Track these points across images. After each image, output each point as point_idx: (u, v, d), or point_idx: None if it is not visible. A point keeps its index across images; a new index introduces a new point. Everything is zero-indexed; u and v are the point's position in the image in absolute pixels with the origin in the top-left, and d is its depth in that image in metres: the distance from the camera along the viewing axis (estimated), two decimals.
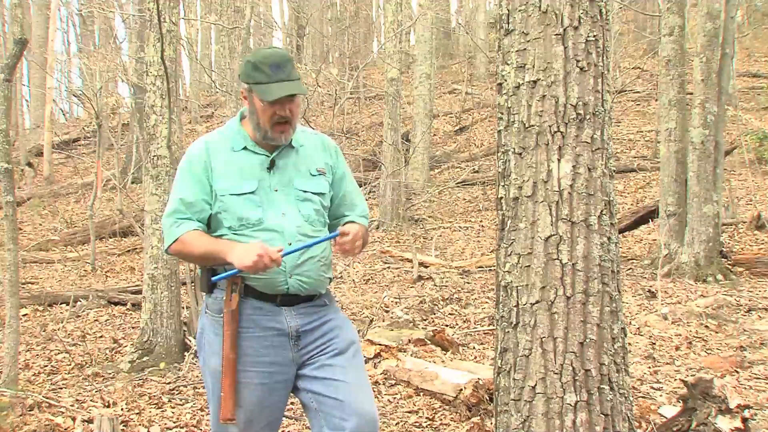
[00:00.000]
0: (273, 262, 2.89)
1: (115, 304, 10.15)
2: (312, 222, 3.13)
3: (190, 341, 7.49)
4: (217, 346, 3.05)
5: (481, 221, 15.22)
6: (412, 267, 10.87)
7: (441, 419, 5.28)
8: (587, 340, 2.97)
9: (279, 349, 3.05)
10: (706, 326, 7.47)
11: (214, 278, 3.04)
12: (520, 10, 3.08)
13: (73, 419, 5.55)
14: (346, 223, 3.20)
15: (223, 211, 3.06)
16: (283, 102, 3.02)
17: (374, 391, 5.22)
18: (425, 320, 8.44)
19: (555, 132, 3.00)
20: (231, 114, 16.13)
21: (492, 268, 10.10)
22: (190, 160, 3.13)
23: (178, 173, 3.16)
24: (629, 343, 4.93)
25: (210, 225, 3.12)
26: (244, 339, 3.03)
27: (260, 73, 3.02)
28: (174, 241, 3.06)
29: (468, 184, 17.77)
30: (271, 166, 3.11)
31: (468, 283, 10.26)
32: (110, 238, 15.90)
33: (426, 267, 11.39)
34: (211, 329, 3.11)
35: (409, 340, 7.08)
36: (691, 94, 10.75)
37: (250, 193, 3.06)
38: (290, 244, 3.01)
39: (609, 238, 3.04)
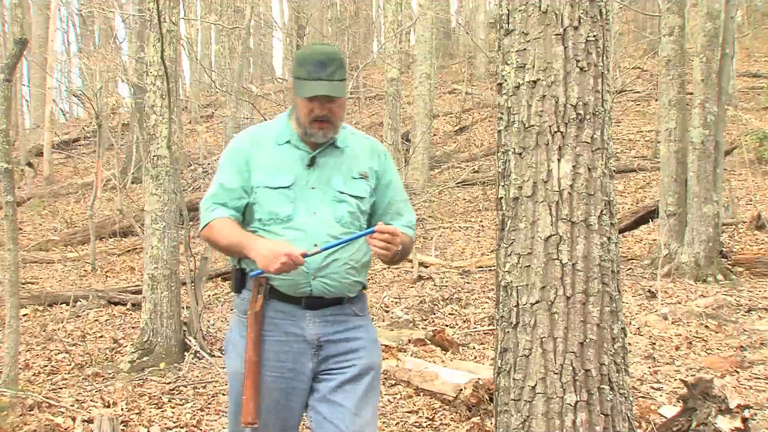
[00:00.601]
0: (296, 265, 2.83)
1: (115, 304, 10.15)
2: (344, 224, 3.03)
3: (190, 341, 7.49)
4: (241, 348, 2.99)
5: (481, 221, 15.21)
6: (412, 267, 10.86)
7: (441, 419, 5.28)
8: (587, 340, 2.97)
9: (299, 356, 2.99)
10: (706, 326, 7.47)
11: (252, 273, 2.95)
12: (520, 10, 3.08)
13: (73, 419, 5.55)
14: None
15: (256, 202, 3.02)
16: (320, 100, 2.96)
17: None
18: (425, 320, 8.45)
19: (555, 132, 3.00)
20: (231, 114, 16.16)
21: (492, 268, 10.09)
22: (233, 148, 3.12)
23: (221, 159, 3.14)
24: (629, 343, 4.93)
25: (245, 216, 3.07)
26: (265, 342, 2.96)
27: (302, 69, 2.97)
28: (205, 226, 3.04)
29: (468, 184, 17.77)
30: (311, 163, 3.05)
31: (468, 283, 10.26)
32: (110, 238, 15.89)
33: (426, 267, 11.39)
34: (237, 330, 3.06)
35: (409, 340, 7.09)
36: (691, 94, 10.75)
37: (284, 187, 3.00)
38: (316, 245, 2.92)
39: (609, 238, 3.04)
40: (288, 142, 3.07)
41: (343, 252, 3.00)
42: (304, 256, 2.85)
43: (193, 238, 8.56)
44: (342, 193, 3.05)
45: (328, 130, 3.02)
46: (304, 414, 3.08)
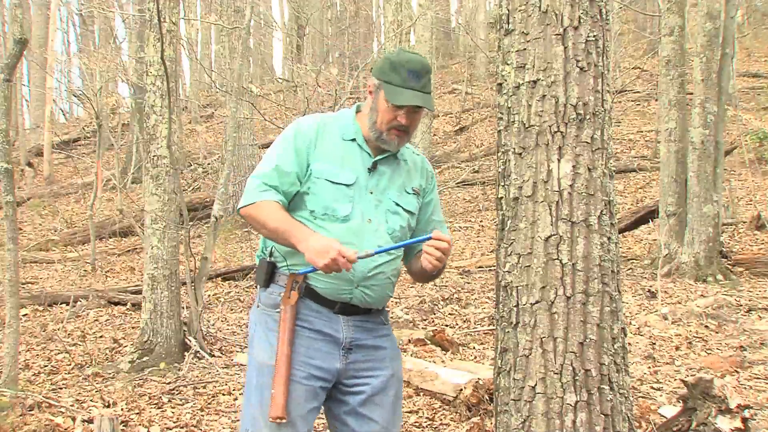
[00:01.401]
0: (347, 264, 2.75)
1: (115, 304, 10.15)
2: (395, 238, 3.01)
3: (190, 341, 7.49)
4: (268, 340, 2.93)
5: (481, 221, 15.22)
6: None
7: (441, 419, 5.28)
8: (587, 340, 2.96)
9: (328, 355, 2.94)
10: (706, 326, 7.47)
11: (302, 270, 2.89)
12: (520, 10, 3.08)
13: (73, 419, 5.56)
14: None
15: (312, 193, 2.94)
16: (408, 110, 2.95)
17: None
18: (425, 320, 8.45)
19: (555, 132, 3.00)
20: (231, 114, 16.13)
21: (492, 268, 10.09)
22: (298, 131, 3.01)
23: (281, 139, 3.03)
24: (629, 343, 4.93)
25: (290, 204, 2.98)
26: (296, 337, 2.90)
27: (396, 75, 2.94)
28: (252, 204, 2.92)
29: (468, 184, 17.78)
30: (373, 167, 3.01)
31: (468, 283, 10.27)
32: (110, 238, 15.90)
33: None
34: (263, 324, 2.98)
35: (409, 340, 7.09)
36: (691, 94, 10.76)
37: (346, 185, 2.95)
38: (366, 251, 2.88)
39: (609, 238, 3.04)
40: (353, 140, 3.04)
41: (389, 266, 3.01)
42: (359, 257, 2.79)
43: (193, 237, 8.55)
44: (398, 205, 3.04)
45: (404, 139, 3.02)
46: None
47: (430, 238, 2.85)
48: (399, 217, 3.03)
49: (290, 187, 2.95)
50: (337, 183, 2.94)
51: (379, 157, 3.03)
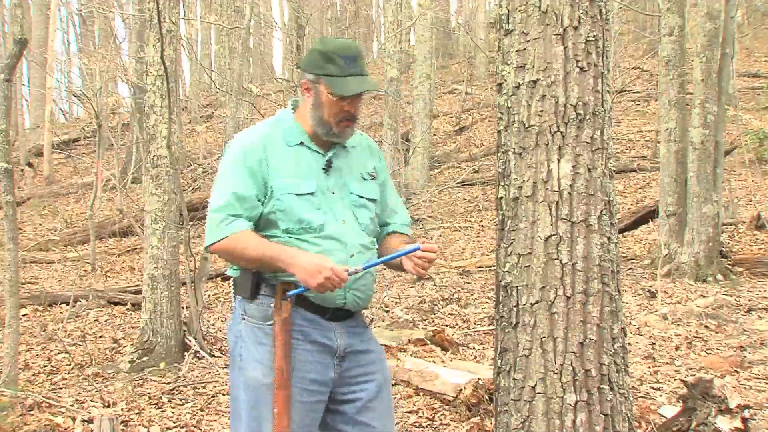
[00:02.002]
0: (341, 283, 2.68)
1: (115, 304, 10.14)
2: (368, 232, 2.95)
3: (190, 341, 7.49)
4: (261, 356, 2.79)
5: (480, 221, 15.22)
6: None
7: (441, 419, 5.28)
8: (587, 340, 2.97)
9: (322, 366, 2.84)
10: (706, 326, 7.47)
11: (291, 293, 2.76)
12: (520, 10, 3.08)
13: (73, 419, 5.56)
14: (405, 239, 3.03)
15: (279, 211, 2.81)
16: (354, 98, 2.86)
17: None
18: (425, 320, 8.45)
19: (555, 132, 3.00)
20: (231, 114, 16.17)
21: (492, 268, 10.09)
22: (245, 152, 2.84)
23: (228, 165, 2.86)
24: (629, 343, 4.93)
25: (258, 227, 2.84)
26: (291, 350, 2.78)
27: (333, 65, 2.81)
28: (223, 239, 2.77)
29: (468, 184, 17.78)
30: (328, 166, 2.91)
31: (468, 283, 10.27)
32: (110, 238, 15.89)
33: None
34: (253, 338, 2.84)
35: (409, 340, 7.09)
36: (691, 94, 10.76)
37: (309, 194, 2.83)
38: (352, 256, 2.81)
39: (609, 238, 3.04)
40: (300, 143, 2.91)
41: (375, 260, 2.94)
42: (350, 273, 2.72)
43: (193, 237, 8.55)
44: (361, 197, 2.96)
45: (353, 128, 2.94)
46: None
47: (419, 248, 2.78)
48: (366, 210, 2.96)
49: (253, 212, 2.82)
50: (302, 194, 2.83)
51: (330, 154, 2.93)
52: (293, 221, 2.81)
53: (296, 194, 2.82)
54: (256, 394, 2.78)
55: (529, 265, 3.02)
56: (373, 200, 3.00)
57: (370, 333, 3.05)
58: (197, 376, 6.83)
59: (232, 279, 3.00)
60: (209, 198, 2.90)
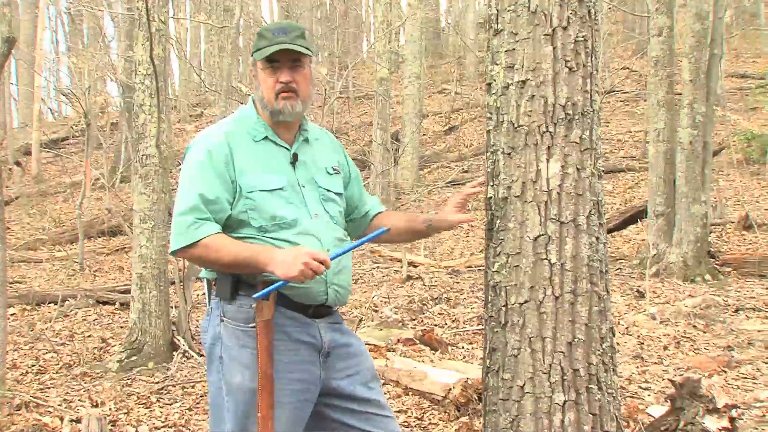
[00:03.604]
0: (323, 264, 2.60)
1: (104, 303, 10.12)
2: (339, 225, 2.93)
3: (178, 341, 7.48)
4: (245, 360, 2.72)
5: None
6: (402, 267, 10.86)
7: (430, 419, 5.28)
8: (576, 340, 2.97)
9: (308, 365, 2.79)
10: (694, 326, 7.50)
11: (257, 295, 2.66)
12: (509, 10, 3.08)
13: (61, 419, 5.54)
14: (377, 214, 3.16)
15: (250, 209, 2.74)
16: (283, 66, 2.79)
17: None
18: (414, 320, 8.45)
19: (544, 132, 3.00)
20: (220, 113, 16.12)
21: (481, 267, 10.10)
22: (210, 151, 2.76)
23: (193, 165, 2.77)
24: (618, 343, 4.95)
25: (229, 226, 2.77)
26: (274, 352, 2.70)
27: (263, 39, 2.80)
28: (192, 244, 2.69)
29: (457, 184, 17.76)
30: (294, 160, 2.87)
31: (457, 282, 10.27)
32: (99, 237, 15.85)
33: (415, 267, 11.40)
34: (234, 341, 2.75)
35: (398, 340, 7.09)
36: (680, 94, 10.79)
37: (279, 189, 2.78)
38: (328, 251, 2.73)
39: (597, 238, 3.04)
40: (265, 138, 2.87)
41: (348, 259, 2.94)
42: (332, 257, 2.69)
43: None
44: (329, 191, 2.94)
45: (295, 101, 2.83)
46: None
47: (388, 230, 2.90)
48: (335, 204, 2.95)
49: (221, 214, 2.74)
50: (272, 190, 2.77)
51: (295, 147, 2.90)
52: (266, 218, 2.76)
53: (267, 191, 2.77)
54: (243, 399, 2.72)
55: (518, 265, 3.02)
56: (339, 194, 2.99)
57: (348, 327, 3.04)
58: (186, 376, 6.82)
59: (206, 280, 2.94)
60: None
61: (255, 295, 2.68)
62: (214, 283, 2.87)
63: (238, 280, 2.78)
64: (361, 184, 3.18)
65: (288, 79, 2.81)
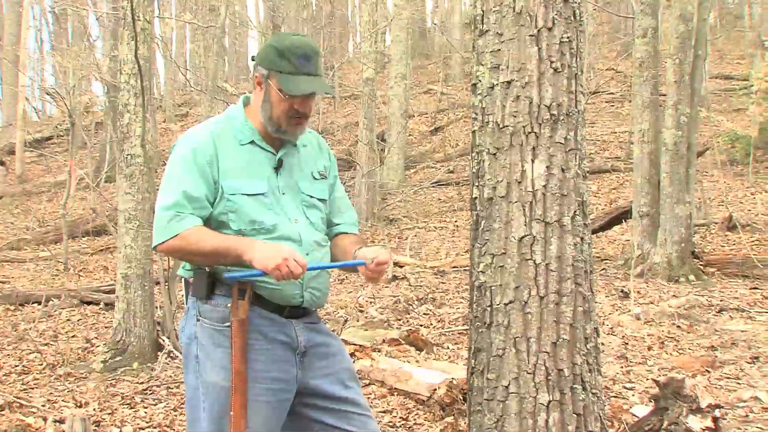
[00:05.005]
0: (298, 268, 2.60)
1: (88, 303, 10.07)
2: (320, 230, 2.91)
3: (163, 341, 7.45)
4: (220, 359, 2.72)
5: (455, 221, 15.25)
6: (387, 267, 10.84)
7: (415, 419, 5.28)
8: (560, 340, 2.98)
9: (285, 364, 2.78)
10: (678, 326, 7.52)
11: (229, 276, 2.68)
12: (494, 11, 3.08)
13: (45, 419, 5.51)
14: (360, 247, 2.91)
15: (230, 212, 2.74)
16: (305, 98, 2.79)
17: None
18: (400, 320, 8.44)
19: (529, 133, 3.01)
20: (205, 113, 16.09)
21: (466, 268, 10.11)
22: (195, 149, 2.75)
23: (178, 162, 2.77)
24: (602, 343, 4.96)
25: (208, 227, 2.76)
26: (250, 351, 2.71)
27: (286, 62, 2.74)
28: (172, 237, 2.68)
29: (443, 184, 17.82)
30: (279, 165, 2.85)
31: (443, 283, 10.28)
32: (83, 237, 15.80)
33: (401, 267, 11.40)
34: (209, 340, 2.76)
35: (384, 340, 7.08)
36: (664, 95, 10.84)
37: (260, 194, 2.77)
38: (307, 254, 2.76)
39: (582, 239, 3.05)
40: (252, 142, 2.84)
41: (326, 262, 2.93)
42: (309, 268, 2.68)
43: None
44: (311, 197, 2.92)
45: (303, 127, 2.86)
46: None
47: (363, 264, 2.76)
48: (317, 210, 2.92)
49: (202, 212, 2.74)
50: (253, 194, 2.77)
51: (281, 153, 2.87)
52: (245, 222, 2.75)
53: (247, 195, 2.76)
54: (219, 398, 2.72)
55: (502, 266, 3.03)
56: (322, 200, 2.97)
57: (326, 327, 3.02)
58: (170, 376, 6.79)
59: (183, 280, 2.94)
60: None
61: (227, 275, 2.70)
62: (191, 282, 2.86)
63: (214, 280, 2.78)
64: (337, 194, 3.09)
65: (305, 111, 2.82)
